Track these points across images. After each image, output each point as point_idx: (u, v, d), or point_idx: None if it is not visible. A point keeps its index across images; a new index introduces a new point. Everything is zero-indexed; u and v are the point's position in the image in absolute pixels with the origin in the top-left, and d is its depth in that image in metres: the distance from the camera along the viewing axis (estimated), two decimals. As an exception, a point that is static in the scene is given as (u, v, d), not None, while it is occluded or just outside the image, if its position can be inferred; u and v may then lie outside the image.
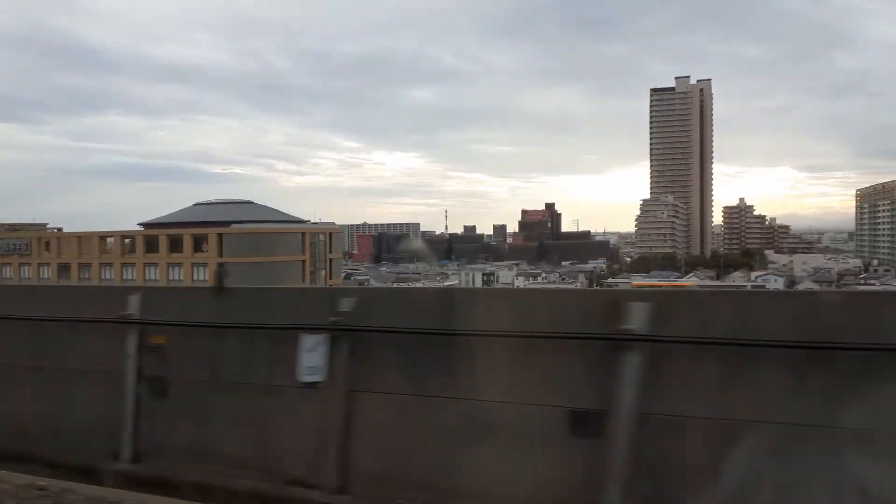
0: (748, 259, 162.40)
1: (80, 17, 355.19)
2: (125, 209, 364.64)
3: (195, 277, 77.32)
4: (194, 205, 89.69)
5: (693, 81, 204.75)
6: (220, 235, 76.57)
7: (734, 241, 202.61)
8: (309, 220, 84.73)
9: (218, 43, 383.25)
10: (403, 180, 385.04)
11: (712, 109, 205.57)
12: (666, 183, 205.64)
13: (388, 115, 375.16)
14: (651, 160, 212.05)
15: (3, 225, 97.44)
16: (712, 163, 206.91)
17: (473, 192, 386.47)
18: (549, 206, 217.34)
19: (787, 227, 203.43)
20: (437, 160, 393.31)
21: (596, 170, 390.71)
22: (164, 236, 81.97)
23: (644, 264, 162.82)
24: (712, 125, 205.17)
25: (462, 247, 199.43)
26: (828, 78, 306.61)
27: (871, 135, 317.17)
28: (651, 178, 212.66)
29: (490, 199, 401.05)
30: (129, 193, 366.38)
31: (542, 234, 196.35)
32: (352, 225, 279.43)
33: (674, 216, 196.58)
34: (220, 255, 75.78)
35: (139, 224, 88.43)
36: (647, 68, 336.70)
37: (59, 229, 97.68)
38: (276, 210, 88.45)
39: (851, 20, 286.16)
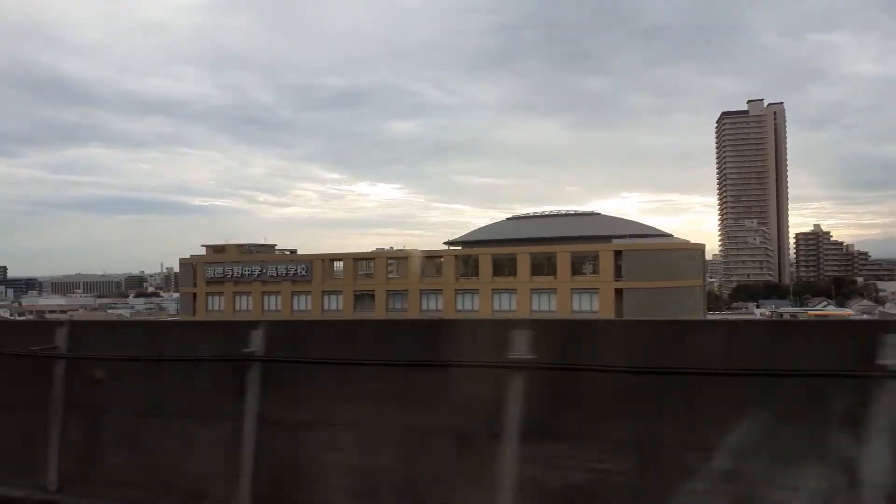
0: (847, 287, 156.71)
1: (61, 51, 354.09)
2: (99, 243, 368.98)
3: (576, 307, 58.81)
4: (508, 219, 70.76)
5: (765, 105, 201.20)
6: (616, 253, 58.25)
7: (810, 269, 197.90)
8: (672, 235, 66.89)
9: (202, 76, 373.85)
10: (386, 211, 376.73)
11: (786, 133, 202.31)
12: (741, 208, 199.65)
13: (371, 147, 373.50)
14: (725, 184, 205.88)
15: (242, 246, 73.60)
16: (787, 187, 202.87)
17: (455, 223, 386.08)
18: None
19: (866, 253, 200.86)
20: (420, 191, 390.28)
21: (576, 201, 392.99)
22: (485, 256, 63.07)
23: (748, 292, 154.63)
24: (786, 149, 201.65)
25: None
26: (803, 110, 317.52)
27: (840, 167, 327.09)
28: (724, 202, 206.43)
29: (472, 230, 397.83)
30: (107, 227, 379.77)
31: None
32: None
33: (765, 242, 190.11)
34: (618, 277, 57.86)
35: (446, 243, 68.78)
36: (627, 101, 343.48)
37: (294, 251, 75.43)
38: (634, 222, 70.23)
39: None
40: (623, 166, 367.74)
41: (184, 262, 74.42)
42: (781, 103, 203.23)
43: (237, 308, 67.09)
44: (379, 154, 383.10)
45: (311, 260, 65.53)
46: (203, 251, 74.94)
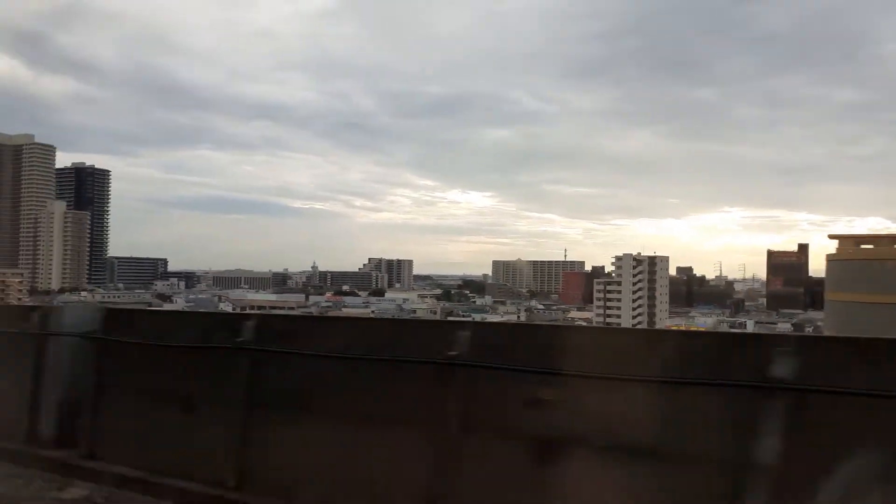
0: None
1: (178, 57, 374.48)
2: (209, 240, 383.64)
3: None
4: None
5: None
6: None
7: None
8: None
9: (307, 83, 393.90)
10: (476, 219, 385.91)
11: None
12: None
13: (466, 154, 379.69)
14: None
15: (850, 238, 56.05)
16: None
17: (544, 233, 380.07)
18: (803, 248, 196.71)
19: None
20: (511, 200, 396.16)
21: (677, 214, 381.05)
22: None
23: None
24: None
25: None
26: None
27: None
28: None
29: (561, 241, 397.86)
30: (213, 225, 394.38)
31: (794, 278, 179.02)
32: (539, 261, 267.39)
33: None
34: None
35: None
36: (733, 111, 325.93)
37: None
38: None
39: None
40: (725, 180, 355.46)
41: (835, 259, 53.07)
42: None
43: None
44: (472, 162, 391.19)
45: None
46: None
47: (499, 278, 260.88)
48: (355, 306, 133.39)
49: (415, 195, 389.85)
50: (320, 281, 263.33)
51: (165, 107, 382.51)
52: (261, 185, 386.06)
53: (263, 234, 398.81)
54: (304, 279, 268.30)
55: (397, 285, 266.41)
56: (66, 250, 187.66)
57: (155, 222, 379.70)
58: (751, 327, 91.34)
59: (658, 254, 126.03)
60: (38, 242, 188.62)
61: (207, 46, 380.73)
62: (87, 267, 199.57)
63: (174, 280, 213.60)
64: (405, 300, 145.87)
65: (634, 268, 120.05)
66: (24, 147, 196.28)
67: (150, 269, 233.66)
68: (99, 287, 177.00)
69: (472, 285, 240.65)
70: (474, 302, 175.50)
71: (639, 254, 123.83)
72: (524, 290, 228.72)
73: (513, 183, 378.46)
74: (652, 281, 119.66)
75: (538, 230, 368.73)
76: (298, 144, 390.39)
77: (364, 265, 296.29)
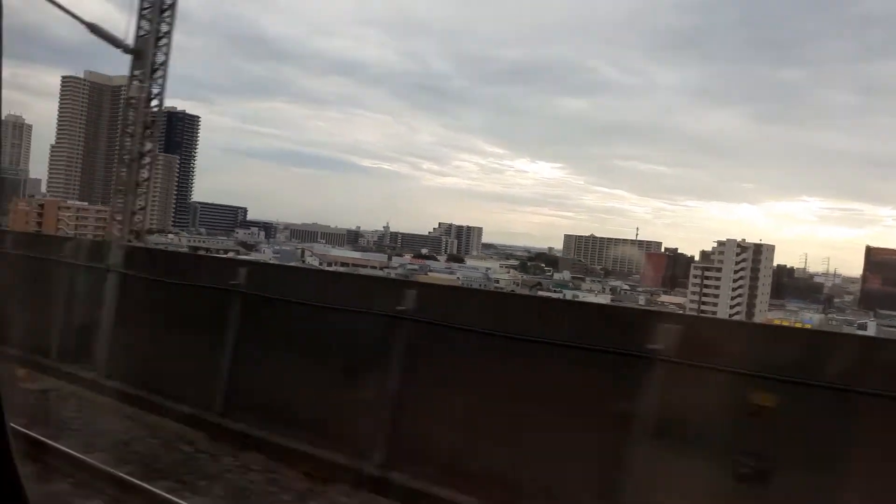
0: None
1: (262, 9, 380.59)
2: (282, 193, 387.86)
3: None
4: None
5: None
6: None
7: None
8: None
9: (384, 40, 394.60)
10: (542, 190, 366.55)
11: None
12: None
13: (537, 123, 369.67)
14: None
15: None
16: None
17: (611, 209, 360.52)
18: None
19: None
20: (580, 173, 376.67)
21: (751, 199, 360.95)
22: None
23: None
24: None
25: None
26: None
27: None
28: None
29: (629, 218, 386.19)
30: (285, 177, 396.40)
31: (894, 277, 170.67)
32: (580, 236, 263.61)
33: None
34: None
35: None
36: (822, 96, 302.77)
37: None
38: None
39: None
40: (806, 167, 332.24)
41: None
42: None
43: None
44: (543, 131, 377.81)
45: None
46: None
47: (569, 253, 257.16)
48: (439, 271, 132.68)
49: (482, 161, 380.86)
50: (392, 241, 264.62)
51: (245, 58, 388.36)
52: (332, 141, 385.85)
53: (332, 190, 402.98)
54: (375, 238, 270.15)
55: (474, 252, 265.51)
56: (155, 192, 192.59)
57: (228, 170, 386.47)
58: (872, 330, 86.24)
59: (762, 241, 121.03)
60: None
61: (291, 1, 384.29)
62: (174, 210, 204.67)
63: (254, 229, 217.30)
64: (488, 269, 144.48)
65: (738, 255, 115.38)
66: (122, 88, 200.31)
67: (231, 217, 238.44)
68: (182, 230, 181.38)
69: (543, 258, 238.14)
70: (551, 276, 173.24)
71: (743, 240, 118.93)
72: (598, 268, 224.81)
73: (583, 155, 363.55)
74: (755, 270, 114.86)
75: (605, 206, 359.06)
76: (371, 103, 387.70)
77: (434, 229, 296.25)
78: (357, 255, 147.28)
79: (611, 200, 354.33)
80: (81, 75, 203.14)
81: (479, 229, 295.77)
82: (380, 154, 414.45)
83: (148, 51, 25.54)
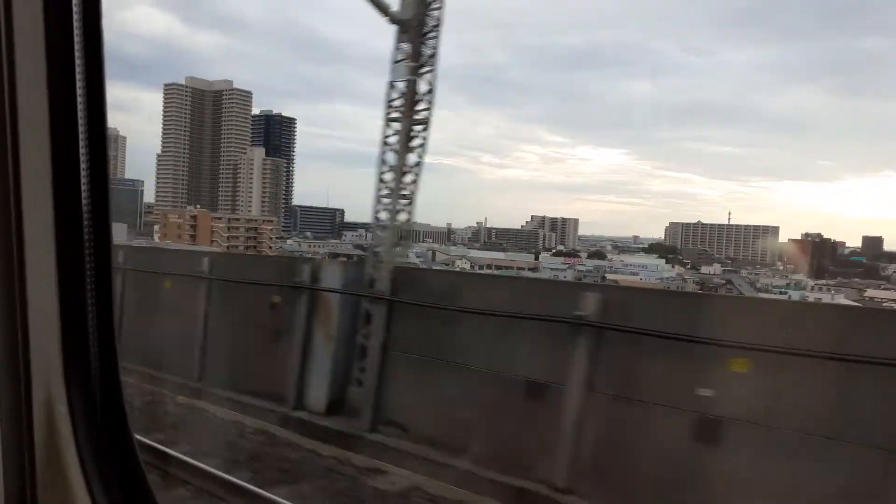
0: None
1: (322, 14, 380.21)
2: (350, 193, 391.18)
3: None
4: None
5: None
6: None
7: None
8: None
9: (443, 37, 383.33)
10: (606, 177, 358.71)
11: None
12: None
13: (600, 109, 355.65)
14: None
15: None
16: None
17: (680, 194, 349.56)
18: None
19: None
20: (646, 158, 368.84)
21: (829, 177, 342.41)
22: None
23: None
24: None
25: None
26: None
27: None
28: None
29: (698, 203, 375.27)
30: (347, 179, 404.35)
31: None
32: (687, 223, 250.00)
33: None
34: None
35: None
36: None
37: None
38: None
39: None
40: (890, 140, 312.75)
41: None
42: None
43: None
44: (607, 117, 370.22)
45: None
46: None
47: (676, 241, 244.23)
48: (619, 272, 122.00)
49: (543, 151, 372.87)
50: (487, 237, 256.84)
51: (306, 61, 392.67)
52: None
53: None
54: (469, 235, 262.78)
55: (561, 247, 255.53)
56: (264, 197, 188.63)
57: (301, 174, 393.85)
58: None
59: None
60: (237, 188, 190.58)
61: (347, 5, 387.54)
62: (283, 215, 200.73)
63: (361, 231, 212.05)
64: (642, 266, 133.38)
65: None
66: (223, 93, 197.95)
67: (329, 219, 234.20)
68: (290, 235, 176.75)
69: (658, 249, 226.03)
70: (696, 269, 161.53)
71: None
72: (723, 257, 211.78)
73: (649, 140, 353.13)
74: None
75: (674, 190, 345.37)
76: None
77: (526, 222, 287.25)
78: (502, 255, 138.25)
79: (679, 184, 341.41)
80: (183, 82, 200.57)
81: (575, 220, 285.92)
82: (441, 149, 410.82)
83: (416, 19, 16.09)
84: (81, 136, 1.64)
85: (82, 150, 1.64)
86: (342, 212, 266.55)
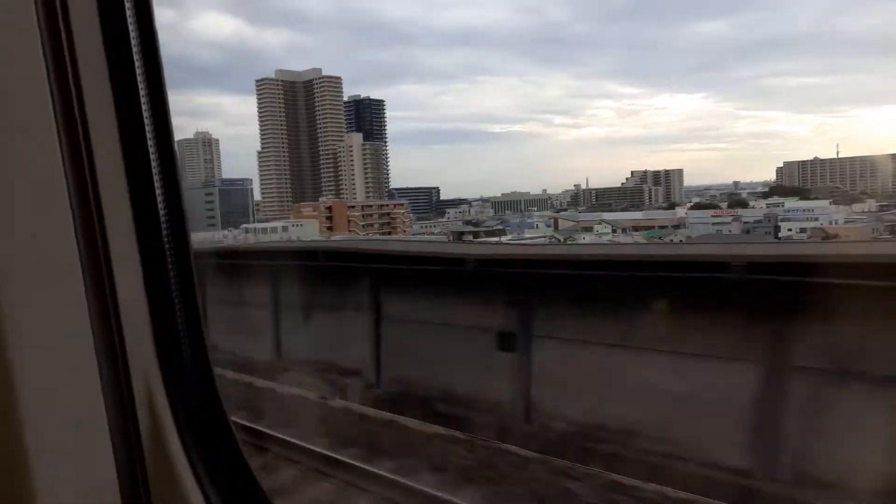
0: None
1: None
2: (420, 171, 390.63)
3: None
4: None
5: None
6: None
7: None
8: None
9: (499, 2, 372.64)
10: (686, 124, 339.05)
11: None
12: None
13: (673, 54, 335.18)
14: None
15: None
16: None
17: (767, 133, 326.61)
18: None
19: None
20: (727, 100, 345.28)
21: None
22: None
23: None
24: None
25: None
26: None
27: None
28: None
29: (787, 140, 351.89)
30: (420, 156, 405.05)
31: None
32: (803, 161, 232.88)
33: None
34: None
35: None
36: None
37: None
38: None
39: None
40: None
41: None
42: None
43: None
44: (681, 61, 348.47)
45: None
46: None
47: (794, 181, 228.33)
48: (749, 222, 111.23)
49: (617, 105, 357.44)
50: (585, 199, 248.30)
51: (368, 46, 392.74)
52: (461, 113, 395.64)
53: (472, 160, 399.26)
54: (567, 199, 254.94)
55: (683, 199, 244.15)
56: (367, 182, 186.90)
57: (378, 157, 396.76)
58: None
59: None
60: (339, 175, 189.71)
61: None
62: (387, 198, 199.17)
63: (464, 207, 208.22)
64: (809, 210, 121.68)
65: None
66: (314, 82, 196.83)
67: (425, 198, 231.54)
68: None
69: (780, 191, 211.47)
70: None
71: None
72: (857, 192, 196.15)
73: (728, 80, 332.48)
74: None
75: (759, 130, 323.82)
76: (495, 67, 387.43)
77: (627, 179, 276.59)
78: (639, 215, 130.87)
79: (764, 124, 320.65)
80: (273, 76, 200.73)
81: (680, 171, 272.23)
82: (510, 117, 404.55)
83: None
84: (150, 142, 1.72)
85: (152, 155, 1.72)
86: (437, 189, 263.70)
